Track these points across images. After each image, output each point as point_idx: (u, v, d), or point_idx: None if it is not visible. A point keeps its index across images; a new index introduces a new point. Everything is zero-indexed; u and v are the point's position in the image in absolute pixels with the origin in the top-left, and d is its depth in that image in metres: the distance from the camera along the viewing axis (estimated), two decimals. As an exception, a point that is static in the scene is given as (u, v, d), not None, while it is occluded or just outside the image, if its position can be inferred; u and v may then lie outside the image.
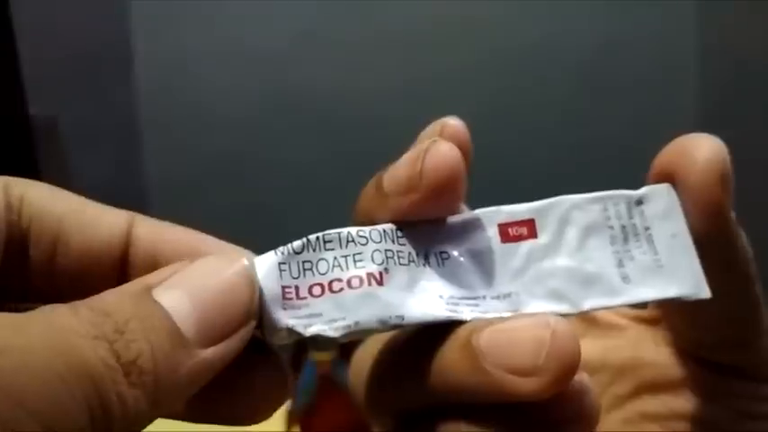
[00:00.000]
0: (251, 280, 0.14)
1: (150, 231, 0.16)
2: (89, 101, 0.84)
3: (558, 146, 0.79)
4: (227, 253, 0.15)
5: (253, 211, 0.84)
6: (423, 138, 0.18)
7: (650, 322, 0.20)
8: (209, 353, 0.12)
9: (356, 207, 0.18)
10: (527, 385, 0.13)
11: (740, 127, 0.75)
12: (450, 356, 0.14)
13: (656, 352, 0.19)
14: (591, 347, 0.20)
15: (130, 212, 0.16)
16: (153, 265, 0.15)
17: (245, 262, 0.14)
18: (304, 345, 0.58)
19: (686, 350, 0.19)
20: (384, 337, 0.18)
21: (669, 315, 0.19)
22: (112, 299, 0.12)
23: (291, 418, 0.55)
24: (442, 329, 0.15)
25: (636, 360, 0.20)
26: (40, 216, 0.15)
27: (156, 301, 0.12)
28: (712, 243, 0.16)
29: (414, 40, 0.80)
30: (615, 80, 0.78)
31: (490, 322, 0.14)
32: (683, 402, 0.19)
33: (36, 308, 0.12)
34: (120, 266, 0.15)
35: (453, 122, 0.17)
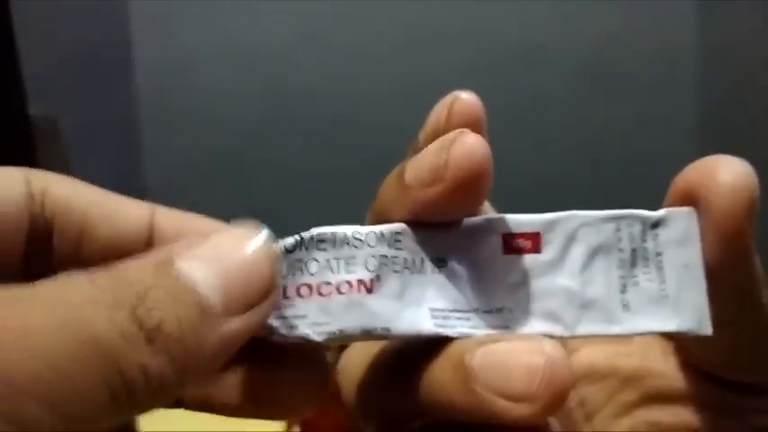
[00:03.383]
0: (272, 251, 0.13)
1: (173, 221, 0.16)
2: (89, 101, 0.84)
3: (558, 146, 0.79)
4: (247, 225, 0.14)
5: (253, 212, 0.83)
6: (436, 112, 0.17)
7: (661, 333, 0.20)
8: (235, 323, 0.12)
9: (376, 200, 0.17)
10: (518, 411, 0.13)
11: (740, 127, 0.75)
12: (441, 374, 0.14)
13: (664, 362, 0.19)
14: (600, 354, 0.20)
15: (151, 203, 0.16)
16: None
17: (266, 233, 0.13)
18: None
19: (695, 366, 0.19)
20: (376, 343, 0.17)
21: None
22: (135, 267, 0.12)
23: (291, 418, 0.55)
24: (436, 342, 0.14)
25: (644, 369, 0.19)
26: (65, 209, 0.15)
27: (179, 270, 0.12)
28: (729, 271, 0.15)
29: (414, 40, 0.80)
30: (615, 80, 0.78)
31: (484, 342, 0.14)
32: (691, 414, 0.18)
33: None
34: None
35: (465, 96, 0.17)
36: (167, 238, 0.15)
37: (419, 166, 0.15)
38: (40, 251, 0.15)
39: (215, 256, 0.13)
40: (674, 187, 0.15)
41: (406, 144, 0.18)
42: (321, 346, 0.14)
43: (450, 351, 0.14)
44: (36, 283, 0.11)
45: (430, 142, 0.15)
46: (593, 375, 0.20)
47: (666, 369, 0.19)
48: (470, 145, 0.14)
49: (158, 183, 0.86)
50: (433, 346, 0.14)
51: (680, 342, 0.19)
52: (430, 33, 0.80)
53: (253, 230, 0.13)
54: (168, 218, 0.16)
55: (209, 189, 0.85)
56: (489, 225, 0.15)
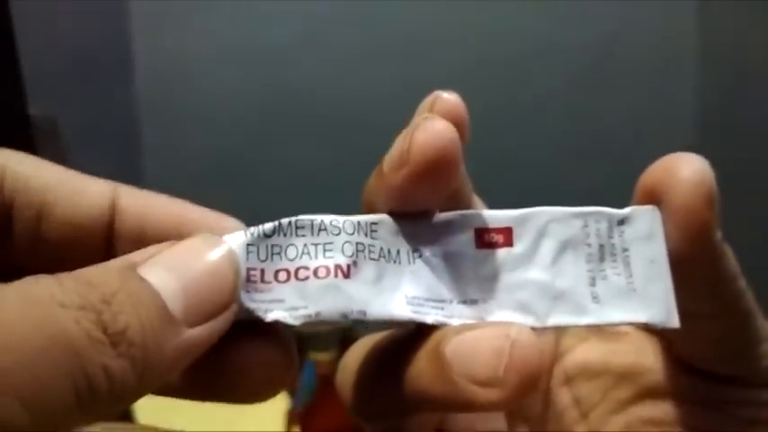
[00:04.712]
0: (234, 261, 0.13)
1: (136, 201, 0.15)
2: (89, 101, 0.84)
3: (558, 146, 0.79)
4: (211, 230, 0.14)
5: (253, 212, 0.83)
6: (419, 112, 0.17)
7: (652, 330, 0.20)
8: (196, 332, 0.12)
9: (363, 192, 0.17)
10: (487, 395, 0.13)
11: (740, 127, 0.75)
12: (420, 364, 0.14)
13: (656, 359, 0.19)
14: (594, 351, 0.20)
15: (115, 183, 0.16)
16: (140, 236, 0.15)
17: (229, 244, 0.14)
18: (304, 345, 0.58)
19: (683, 361, 0.19)
20: (370, 340, 0.17)
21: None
22: (98, 272, 0.12)
23: (291, 418, 0.55)
24: (420, 334, 0.15)
25: (638, 366, 0.19)
26: (24, 187, 0.15)
27: (142, 278, 0.12)
28: (696, 264, 0.15)
29: (414, 40, 0.80)
30: (615, 80, 0.78)
31: (458, 330, 0.14)
32: (685, 409, 0.19)
33: None
34: (106, 238, 0.15)
35: (447, 96, 0.17)
36: (131, 218, 0.15)
37: (390, 152, 0.15)
38: (0, 232, 0.15)
39: (178, 264, 0.13)
40: (639, 185, 0.16)
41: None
42: (289, 331, 0.15)
43: (429, 341, 0.14)
44: (5, 283, 0.11)
45: (395, 169, 0.15)
46: (588, 373, 0.20)
47: (659, 365, 0.19)
48: (434, 129, 0.14)
49: (158, 183, 0.86)
50: (417, 338, 0.15)
51: (666, 338, 0.19)
52: (430, 33, 0.80)
53: (216, 240, 0.14)
54: (132, 197, 0.15)
55: (209, 189, 0.85)
56: (463, 220, 0.15)
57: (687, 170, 0.15)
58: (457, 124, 0.15)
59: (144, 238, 0.15)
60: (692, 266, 0.15)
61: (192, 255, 0.13)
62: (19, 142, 0.34)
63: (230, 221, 0.15)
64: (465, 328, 0.14)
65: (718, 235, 0.16)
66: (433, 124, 0.14)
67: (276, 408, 0.55)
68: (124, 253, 0.14)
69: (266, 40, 0.82)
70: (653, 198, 0.15)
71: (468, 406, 0.13)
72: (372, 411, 0.17)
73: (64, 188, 0.15)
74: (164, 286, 0.12)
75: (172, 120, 0.85)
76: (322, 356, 0.53)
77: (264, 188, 0.84)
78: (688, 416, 0.18)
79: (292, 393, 0.56)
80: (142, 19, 0.83)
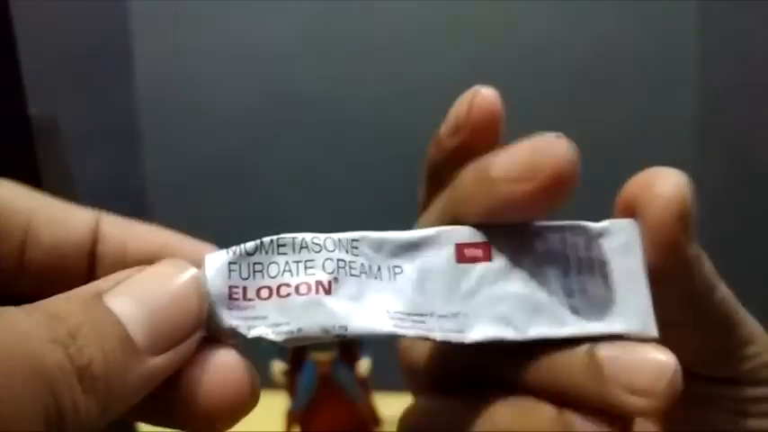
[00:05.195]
0: (201, 289, 0.14)
1: (118, 229, 0.16)
2: (89, 101, 0.84)
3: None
4: (180, 257, 0.14)
5: (252, 212, 0.84)
6: (456, 107, 0.19)
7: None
8: (158, 361, 0.12)
9: (426, 159, 0.20)
10: (641, 404, 0.14)
11: (740, 127, 0.75)
12: (570, 360, 0.15)
13: None
14: None
15: (97, 211, 0.16)
16: (121, 262, 0.15)
17: (194, 270, 0.14)
18: (304, 345, 0.58)
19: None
20: None
21: None
22: (64, 304, 0.12)
23: (291, 418, 0.55)
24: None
25: None
26: (9, 213, 0.15)
27: (107, 307, 0.12)
28: (671, 277, 0.16)
29: (414, 40, 0.80)
30: (615, 80, 0.78)
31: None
32: (680, 407, 0.19)
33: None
34: (88, 264, 0.15)
35: (486, 92, 0.18)
36: (112, 245, 0.15)
37: (446, 122, 0.19)
38: None
39: (143, 293, 0.13)
40: (619, 199, 0.16)
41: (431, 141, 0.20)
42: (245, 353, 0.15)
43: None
44: None
45: (451, 135, 0.18)
46: None
47: None
48: (490, 95, 0.18)
49: (158, 183, 0.86)
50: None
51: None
52: (430, 34, 0.80)
53: (182, 265, 0.14)
54: (114, 225, 0.16)
55: (209, 189, 0.85)
56: (441, 236, 0.16)
57: (662, 186, 0.15)
58: (496, 120, 0.17)
59: (125, 265, 0.15)
60: (667, 279, 0.16)
61: (157, 282, 0.13)
62: (19, 142, 0.34)
63: (207, 247, 0.15)
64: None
65: (694, 248, 0.16)
66: (489, 92, 0.18)
67: (276, 408, 0.55)
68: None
69: (266, 41, 0.82)
70: (631, 212, 0.16)
71: (615, 408, 0.14)
72: (460, 374, 0.17)
73: (47, 215, 0.15)
74: (128, 315, 0.12)
75: (172, 120, 0.85)
76: (322, 356, 0.53)
77: (264, 188, 0.84)
78: (685, 412, 0.19)
79: (292, 393, 0.56)
80: (142, 19, 0.83)
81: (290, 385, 0.55)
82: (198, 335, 0.13)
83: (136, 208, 0.94)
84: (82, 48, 0.84)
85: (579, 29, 0.78)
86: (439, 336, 0.15)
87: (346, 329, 0.14)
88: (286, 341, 0.14)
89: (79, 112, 0.82)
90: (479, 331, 0.15)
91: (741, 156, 0.72)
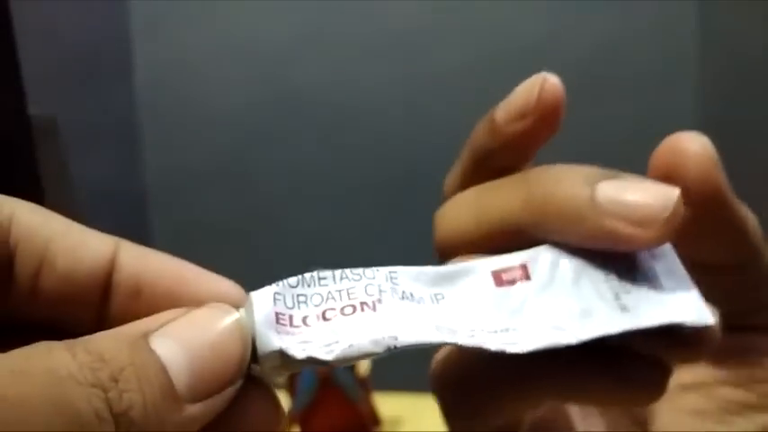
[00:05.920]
0: (244, 336, 0.14)
1: (135, 258, 0.16)
2: (89, 101, 0.85)
3: (558, 145, 0.79)
4: (217, 296, 0.15)
5: (252, 211, 0.84)
6: (523, 93, 0.19)
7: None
8: (196, 409, 0.12)
9: (468, 146, 0.20)
10: (642, 234, 0.15)
11: (740, 127, 0.75)
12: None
13: None
14: None
15: (116, 238, 0.16)
16: (135, 291, 0.15)
17: (238, 316, 0.14)
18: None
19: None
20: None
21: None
22: (110, 344, 0.12)
23: (291, 418, 0.55)
24: None
25: None
26: (28, 236, 0.15)
27: (152, 351, 0.12)
28: (719, 221, 0.17)
29: (414, 40, 0.80)
30: (615, 80, 0.78)
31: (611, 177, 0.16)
32: (723, 369, 0.19)
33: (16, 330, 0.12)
34: (102, 291, 0.15)
35: (554, 79, 0.19)
36: (128, 274, 0.15)
37: (506, 108, 0.19)
38: (1, 280, 0.15)
39: (188, 338, 0.13)
40: (652, 165, 0.17)
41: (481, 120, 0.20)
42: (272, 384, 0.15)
43: None
44: (23, 350, 0.11)
45: (515, 121, 0.18)
46: None
47: None
48: (558, 84, 0.18)
49: (158, 183, 0.86)
50: None
51: None
52: (430, 33, 0.80)
53: (227, 311, 0.14)
54: (132, 253, 0.16)
55: (209, 189, 0.85)
56: (477, 267, 0.16)
57: (694, 144, 0.17)
58: (561, 107, 0.18)
59: (140, 294, 0.15)
60: (714, 223, 0.17)
61: (202, 327, 0.13)
62: (19, 142, 0.35)
63: (226, 283, 0.15)
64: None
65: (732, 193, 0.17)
66: (556, 80, 0.18)
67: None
68: (119, 306, 0.15)
69: (266, 40, 0.82)
70: (666, 175, 0.17)
71: (614, 243, 0.15)
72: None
73: (66, 239, 0.15)
74: (172, 360, 0.12)
75: (172, 120, 0.85)
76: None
77: (264, 188, 0.84)
78: (727, 374, 0.19)
79: (292, 393, 0.56)
80: (142, 19, 0.83)
81: (290, 385, 0.55)
82: (239, 383, 0.13)
83: (136, 208, 0.94)
84: (82, 48, 0.84)
85: (579, 29, 0.78)
86: (493, 346, 0.14)
87: (396, 339, 0.14)
88: (337, 359, 0.14)
89: (79, 112, 0.82)
90: (533, 341, 0.14)
91: (741, 155, 0.72)
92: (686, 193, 0.16)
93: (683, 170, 0.16)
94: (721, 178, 0.17)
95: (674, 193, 0.15)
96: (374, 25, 0.80)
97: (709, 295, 0.15)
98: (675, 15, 0.77)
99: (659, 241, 0.15)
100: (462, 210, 0.19)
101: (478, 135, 0.20)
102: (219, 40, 0.82)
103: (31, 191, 0.33)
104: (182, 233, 0.84)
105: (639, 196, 0.15)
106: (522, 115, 0.18)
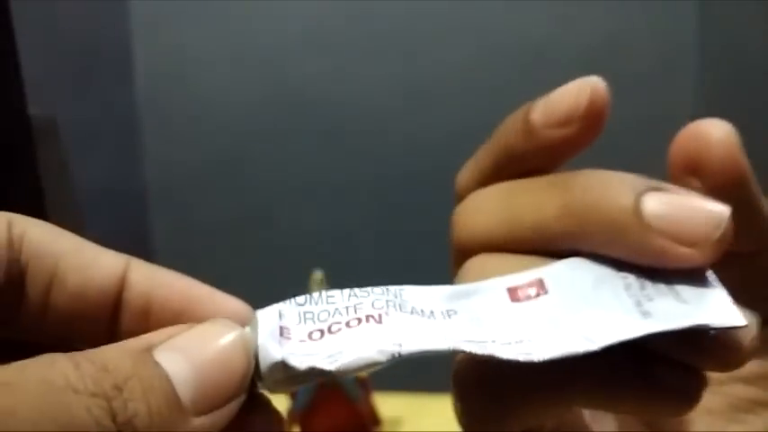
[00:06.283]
0: (248, 351, 0.14)
1: (145, 276, 0.16)
2: (89, 101, 0.85)
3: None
4: (226, 315, 0.15)
5: (252, 211, 0.84)
6: (570, 96, 0.18)
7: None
8: (201, 421, 0.12)
9: (493, 143, 0.19)
10: (691, 255, 0.14)
11: (740, 127, 0.75)
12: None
13: None
14: None
15: (126, 256, 0.16)
16: (145, 309, 0.15)
17: (243, 331, 0.14)
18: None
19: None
20: None
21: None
22: (114, 355, 0.12)
23: (291, 418, 0.55)
24: None
25: None
26: (39, 255, 0.15)
27: (157, 363, 0.12)
28: (743, 207, 0.16)
29: (414, 40, 0.80)
30: (615, 79, 0.78)
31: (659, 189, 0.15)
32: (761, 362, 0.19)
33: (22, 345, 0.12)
34: (112, 309, 0.15)
35: (601, 85, 0.18)
36: (138, 292, 0.15)
37: (546, 111, 0.18)
38: (11, 295, 0.15)
39: (193, 351, 0.13)
40: (672, 158, 0.17)
41: (509, 117, 0.20)
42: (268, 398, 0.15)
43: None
44: (21, 362, 0.11)
45: (557, 127, 0.17)
46: None
47: None
48: (601, 88, 0.17)
49: (158, 183, 0.86)
50: None
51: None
52: (430, 34, 0.80)
53: (231, 327, 0.14)
54: (142, 272, 0.16)
55: (209, 189, 0.85)
56: (491, 284, 0.16)
57: (717, 130, 0.16)
58: (606, 111, 0.17)
59: (149, 312, 0.15)
60: (739, 209, 0.16)
61: (207, 341, 0.13)
62: (19, 142, 0.35)
63: (235, 302, 0.15)
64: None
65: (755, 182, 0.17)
66: (603, 86, 0.17)
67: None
68: (128, 324, 0.15)
69: (266, 41, 0.82)
70: (688, 164, 0.16)
71: (660, 261, 0.14)
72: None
73: (77, 258, 0.15)
74: (177, 372, 0.12)
75: (172, 120, 0.85)
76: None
77: (264, 187, 0.84)
78: (736, 371, 0.19)
79: (292, 393, 0.56)
80: (142, 19, 0.83)
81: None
82: (242, 397, 0.13)
83: (136, 208, 0.94)
84: (82, 48, 0.84)
85: (579, 29, 0.78)
86: (505, 355, 0.14)
87: (401, 346, 0.14)
88: (340, 369, 0.14)
89: (79, 112, 0.82)
90: (549, 349, 0.14)
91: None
92: (709, 181, 0.16)
93: (705, 156, 0.16)
94: (745, 165, 0.16)
95: (725, 212, 0.14)
96: (374, 25, 0.80)
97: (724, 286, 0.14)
98: (675, 14, 0.77)
99: (709, 261, 0.14)
100: (489, 208, 0.18)
101: (509, 134, 0.18)
102: (219, 40, 0.82)
103: (31, 191, 0.33)
104: (182, 233, 0.84)
105: (691, 215, 0.14)
106: (566, 121, 0.17)
